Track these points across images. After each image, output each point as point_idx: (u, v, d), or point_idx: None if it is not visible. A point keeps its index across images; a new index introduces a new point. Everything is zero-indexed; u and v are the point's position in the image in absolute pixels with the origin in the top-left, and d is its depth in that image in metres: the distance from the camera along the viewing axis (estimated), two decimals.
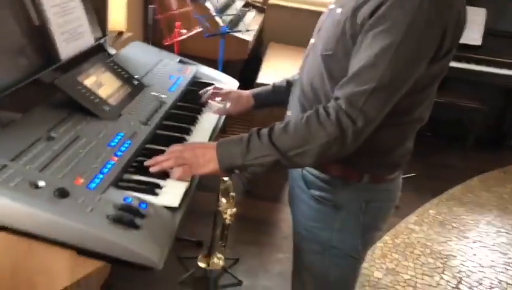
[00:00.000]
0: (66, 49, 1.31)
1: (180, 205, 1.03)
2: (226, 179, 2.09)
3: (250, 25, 3.39)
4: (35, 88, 1.21)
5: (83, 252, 0.90)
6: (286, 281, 1.56)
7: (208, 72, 1.83)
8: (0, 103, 1.09)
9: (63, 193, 0.91)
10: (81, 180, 0.97)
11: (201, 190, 1.25)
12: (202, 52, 2.87)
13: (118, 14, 2.72)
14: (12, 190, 0.88)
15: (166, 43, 2.19)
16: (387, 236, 2.84)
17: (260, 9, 4.01)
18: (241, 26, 3.15)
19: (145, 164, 1.12)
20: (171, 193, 1.05)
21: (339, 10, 1.14)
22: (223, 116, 1.53)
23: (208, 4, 2.80)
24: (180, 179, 1.10)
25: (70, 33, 1.35)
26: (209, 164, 1.10)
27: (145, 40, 2.36)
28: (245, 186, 3.02)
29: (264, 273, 2.42)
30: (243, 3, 3.84)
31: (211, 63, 2.62)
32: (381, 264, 2.59)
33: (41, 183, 0.92)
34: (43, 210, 0.87)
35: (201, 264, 2.20)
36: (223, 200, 2.14)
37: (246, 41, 2.95)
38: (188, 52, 2.77)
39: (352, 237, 1.28)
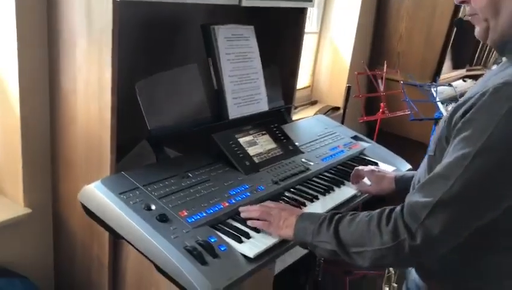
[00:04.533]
0: (235, 111, 1.56)
1: (256, 257, 1.09)
2: (391, 268, 1.97)
3: None
4: (200, 137, 1.48)
5: (159, 269, 1.06)
6: None
7: (379, 152, 1.81)
8: (167, 142, 1.40)
9: (163, 218, 1.11)
10: (185, 213, 1.15)
11: None
12: (414, 134, 2.82)
13: (339, 92, 2.98)
14: (130, 207, 1.12)
15: (360, 121, 2.26)
16: None
17: None
18: None
19: (239, 209, 1.23)
20: (253, 245, 1.12)
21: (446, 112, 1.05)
22: (364, 194, 1.49)
23: (432, 90, 2.74)
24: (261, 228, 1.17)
25: (243, 98, 1.60)
26: (286, 229, 1.13)
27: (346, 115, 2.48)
28: None
29: None
30: None
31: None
32: None
33: (153, 207, 1.14)
34: (142, 227, 1.08)
35: None
36: (386, 289, 2.01)
37: None
38: (396, 133, 2.76)
39: None
